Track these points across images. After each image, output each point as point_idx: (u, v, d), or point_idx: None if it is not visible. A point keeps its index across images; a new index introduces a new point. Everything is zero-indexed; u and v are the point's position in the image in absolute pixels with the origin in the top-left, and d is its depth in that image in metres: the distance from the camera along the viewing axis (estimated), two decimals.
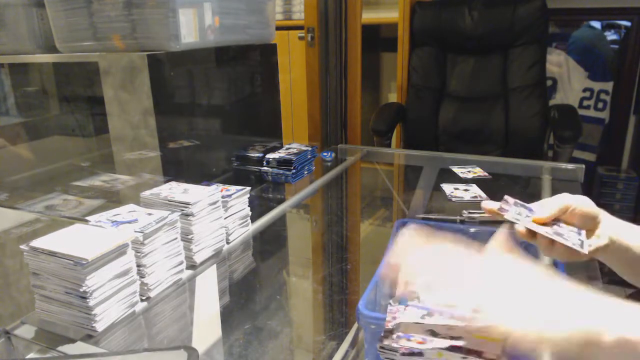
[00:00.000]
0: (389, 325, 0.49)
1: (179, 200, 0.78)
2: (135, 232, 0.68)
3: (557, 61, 2.40)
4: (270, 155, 1.26)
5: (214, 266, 0.83)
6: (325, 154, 1.49)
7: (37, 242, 0.62)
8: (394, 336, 0.47)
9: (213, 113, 1.19)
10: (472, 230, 0.82)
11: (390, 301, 0.54)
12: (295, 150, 1.30)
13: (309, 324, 0.79)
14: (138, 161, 1.01)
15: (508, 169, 1.35)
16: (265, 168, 1.26)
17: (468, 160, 1.36)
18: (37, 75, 1.18)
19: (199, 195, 0.80)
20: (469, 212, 0.97)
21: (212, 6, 1.04)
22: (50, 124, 1.20)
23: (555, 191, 1.09)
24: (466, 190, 1.13)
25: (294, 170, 1.24)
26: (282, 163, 1.25)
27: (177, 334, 0.69)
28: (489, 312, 0.45)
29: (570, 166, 1.28)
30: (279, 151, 1.30)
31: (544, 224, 0.61)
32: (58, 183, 1.18)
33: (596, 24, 2.34)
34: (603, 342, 0.40)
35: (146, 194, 0.81)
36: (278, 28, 1.34)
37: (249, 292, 0.82)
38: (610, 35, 2.33)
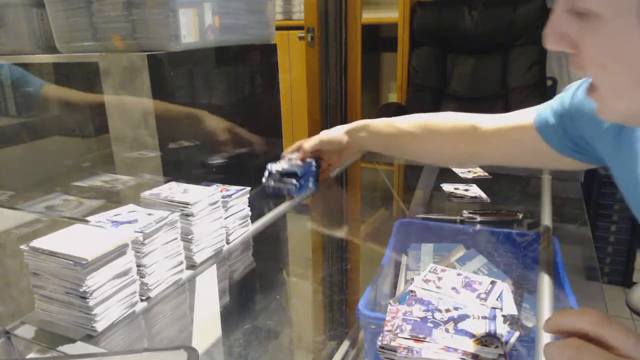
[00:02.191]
0: (389, 325, 0.49)
1: (179, 200, 0.78)
2: (135, 232, 0.68)
3: (557, 61, 2.40)
4: (272, 167, 1.07)
5: (214, 266, 0.83)
6: None
7: (37, 242, 0.62)
8: (394, 336, 0.48)
9: (213, 113, 1.19)
10: (472, 230, 0.82)
11: (390, 301, 0.54)
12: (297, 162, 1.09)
13: (309, 324, 0.79)
14: (138, 161, 1.01)
15: (508, 169, 1.35)
16: (266, 181, 1.06)
17: None
18: (37, 75, 1.18)
19: (199, 195, 0.80)
20: (469, 212, 0.98)
21: (212, 6, 1.04)
22: (50, 124, 1.20)
23: (555, 191, 1.09)
24: (466, 190, 1.13)
25: (297, 184, 1.04)
26: (286, 175, 1.06)
27: (177, 334, 0.69)
28: None
29: None
30: (281, 161, 1.10)
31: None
32: (58, 183, 1.18)
33: None
34: (378, 125, 0.97)
35: (146, 194, 0.81)
36: (278, 28, 1.34)
37: (249, 292, 0.82)
38: None
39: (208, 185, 0.86)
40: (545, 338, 0.51)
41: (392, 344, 0.46)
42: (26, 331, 0.63)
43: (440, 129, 0.85)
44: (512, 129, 0.76)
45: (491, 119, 0.79)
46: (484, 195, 1.10)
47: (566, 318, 0.40)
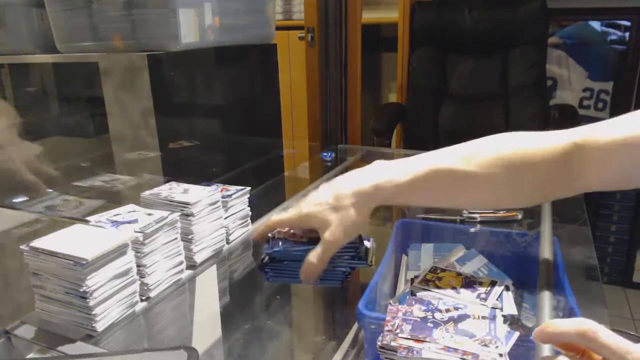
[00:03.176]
0: (389, 325, 0.49)
1: (179, 200, 0.78)
2: (135, 232, 0.68)
3: (557, 61, 2.40)
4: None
5: (214, 266, 0.83)
6: (325, 154, 1.50)
7: (37, 242, 0.62)
8: (394, 335, 0.48)
9: (213, 113, 1.19)
10: (472, 230, 0.82)
11: (390, 301, 0.54)
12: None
13: (309, 324, 0.79)
14: (138, 161, 1.01)
15: None
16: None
17: None
18: (37, 75, 1.18)
19: (199, 195, 0.80)
20: (469, 212, 0.98)
21: (212, 6, 1.05)
22: (50, 124, 1.20)
23: None
24: None
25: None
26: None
27: (177, 334, 0.69)
28: None
29: None
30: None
31: None
32: (58, 183, 1.18)
33: (596, 24, 2.34)
34: (422, 174, 0.58)
35: (146, 194, 0.81)
36: (278, 28, 1.34)
37: (249, 292, 0.82)
38: (611, 35, 2.33)
39: (208, 185, 0.86)
40: None
41: (392, 344, 0.46)
42: (26, 331, 0.63)
43: (532, 161, 0.58)
44: (629, 143, 0.54)
45: (597, 130, 0.56)
46: None
47: (555, 329, 0.39)
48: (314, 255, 0.58)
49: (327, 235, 0.58)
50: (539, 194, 0.62)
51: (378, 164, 0.62)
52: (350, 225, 0.58)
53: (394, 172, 0.59)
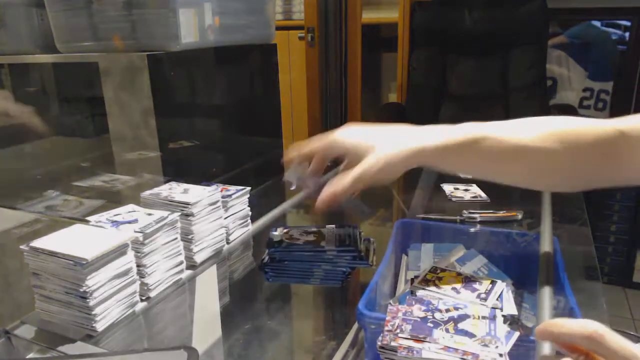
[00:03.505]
0: (389, 325, 0.49)
1: (179, 200, 0.78)
2: (135, 232, 0.68)
3: (557, 61, 2.40)
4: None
5: (214, 266, 0.83)
6: None
7: (37, 242, 0.62)
8: (394, 335, 0.48)
9: (213, 113, 1.19)
10: (472, 230, 0.82)
11: (390, 301, 0.54)
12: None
13: (309, 324, 0.79)
14: (138, 161, 1.01)
15: None
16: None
17: None
18: (37, 75, 1.18)
19: (199, 195, 0.80)
20: (469, 212, 0.98)
21: (212, 6, 1.05)
22: (50, 124, 1.20)
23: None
24: (466, 190, 1.13)
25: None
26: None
27: (177, 334, 0.69)
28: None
29: None
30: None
31: None
32: (58, 183, 1.18)
33: (596, 23, 2.34)
34: (472, 138, 0.56)
35: (146, 194, 0.81)
36: (278, 28, 1.34)
37: (249, 292, 0.82)
38: (611, 35, 2.33)
39: (208, 185, 0.86)
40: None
41: (392, 344, 0.46)
42: (26, 331, 0.63)
43: (583, 140, 0.57)
44: None
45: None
46: (484, 195, 1.10)
47: (560, 329, 0.38)
48: (341, 179, 0.56)
49: (360, 166, 0.56)
50: (584, 178, 0.61)
51: (427, 127, 0.61)
52: (387, 167, 0.57)
53: (441, 134, 0.58)
